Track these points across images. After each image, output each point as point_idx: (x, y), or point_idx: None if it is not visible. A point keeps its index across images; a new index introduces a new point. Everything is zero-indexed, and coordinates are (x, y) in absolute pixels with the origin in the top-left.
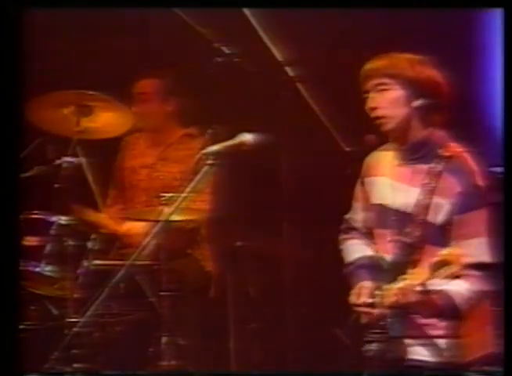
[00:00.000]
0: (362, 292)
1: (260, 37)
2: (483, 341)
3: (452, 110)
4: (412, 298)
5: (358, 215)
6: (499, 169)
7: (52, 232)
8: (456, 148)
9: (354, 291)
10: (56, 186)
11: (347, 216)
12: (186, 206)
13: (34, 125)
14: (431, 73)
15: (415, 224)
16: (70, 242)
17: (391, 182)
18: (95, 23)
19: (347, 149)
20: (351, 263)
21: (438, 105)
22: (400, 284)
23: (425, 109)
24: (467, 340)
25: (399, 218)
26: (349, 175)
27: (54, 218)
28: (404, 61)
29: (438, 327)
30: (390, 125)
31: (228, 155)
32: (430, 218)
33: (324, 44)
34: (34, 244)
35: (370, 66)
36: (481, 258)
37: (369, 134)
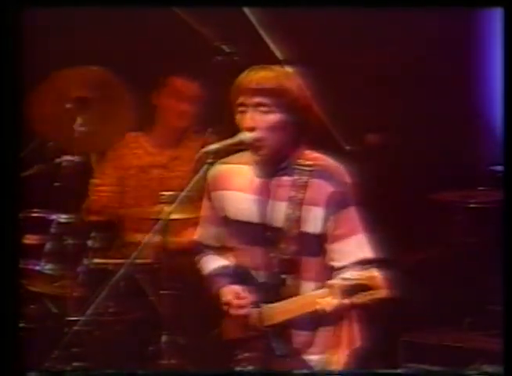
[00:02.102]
0: (232, 295)
1: (260, 36)
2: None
3: (317, 128)
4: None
5: (208, 232)
6: (499, 168)
7: (51, 230)
8: (312, 154)
9: (224, 296)
10: (56, 184)
11: (195, 237)
12: (187, 204)
13: (34, 124)
14: (306, 94)
15: (289, 238)
16: (70, 240)
17: (251, 197)
18: (95, 22)
19: (347, 148)
20: (210, 274)
21: (307, 127)
22: (301, 307)
23: (297, 131)
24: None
25: (271, 234)
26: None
27: (54, 217)
28: (287, 80)
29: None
30: (267, 148)
31: (227, 153)
32: (306, 228)
33: (324, 43)
34: (34, 242)
35: (253, 80)
36: (363, 255)
37: (369, 133)
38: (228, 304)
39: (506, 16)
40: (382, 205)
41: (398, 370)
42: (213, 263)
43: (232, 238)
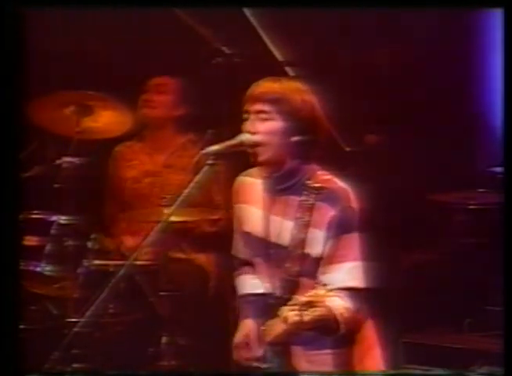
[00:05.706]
0: (245, 334)
1: (260, 37)
2: (372, 365)
3: (328, 145)
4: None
5: (238, 246)
6: (498, 169)
7: (52, 232)
8: (323, 176)
9: (239, 332)
10: (56, 185)
11: (233, 252)
12: (186, 207)
13: (34, 125)
14: (314, 109)
15: (293, 259)
16: (70, 242)
17: (262, 213)
18: (95, 23)
19: (348, 149)
20: (241, 297)
21: (315, 142)
22: (280, 324)
23: (301, 144)
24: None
25: (276, 252)
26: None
27: (54, 218)
28: (292, 92)
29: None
30: (265, 154)
31: (228, 155)
32: (308, 251)
33: (324, 44)
34: (34, 243)
35: (258, 89)
36: (351, 283)
37: (369, 134)
38: (238, 344)
39: (507, 16)
40: (381, 206)
41: (399, 372)
42: (243, 287)
43: (246, 251)
